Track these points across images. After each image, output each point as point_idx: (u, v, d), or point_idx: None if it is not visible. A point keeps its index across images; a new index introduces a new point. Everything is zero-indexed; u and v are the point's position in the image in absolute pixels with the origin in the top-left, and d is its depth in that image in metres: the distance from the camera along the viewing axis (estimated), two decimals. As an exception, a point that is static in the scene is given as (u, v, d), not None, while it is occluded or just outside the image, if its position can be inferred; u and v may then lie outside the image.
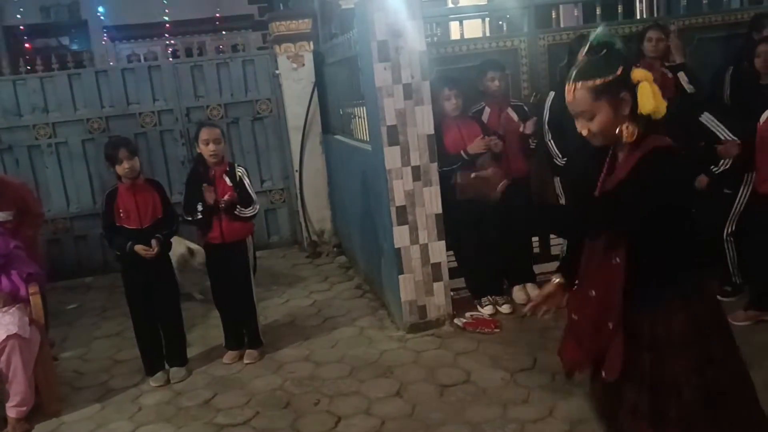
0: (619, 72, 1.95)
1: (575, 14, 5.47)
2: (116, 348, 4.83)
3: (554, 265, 4.95)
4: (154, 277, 4.10)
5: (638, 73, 1.98)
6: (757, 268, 4.10)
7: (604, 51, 1.98)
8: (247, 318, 4.41)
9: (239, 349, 4.41)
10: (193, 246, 5.20)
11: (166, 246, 4.11)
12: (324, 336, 4.68)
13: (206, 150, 4.13)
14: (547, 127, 4.59)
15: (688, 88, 4.47)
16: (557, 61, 4.87)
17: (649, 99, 1.94)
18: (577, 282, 2.25)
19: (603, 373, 2.11)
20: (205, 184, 4.10)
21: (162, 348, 4.25)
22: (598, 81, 1.93)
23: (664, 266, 2.02)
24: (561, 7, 5.52)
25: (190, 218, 4.18)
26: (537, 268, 4.98)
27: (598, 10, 5.16)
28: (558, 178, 4.77)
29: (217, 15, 11.41)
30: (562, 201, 4.74)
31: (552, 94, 4.60)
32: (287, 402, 3.81)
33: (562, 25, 5.49)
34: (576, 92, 1.96)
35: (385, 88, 4.25)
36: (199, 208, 4.11)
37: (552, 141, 4.58)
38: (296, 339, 4.65)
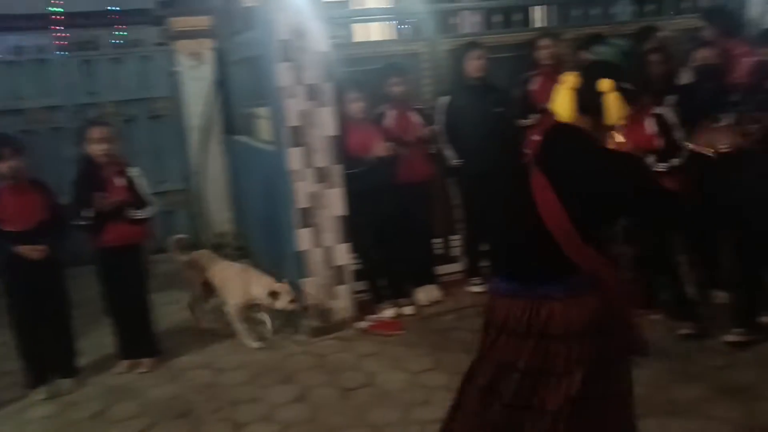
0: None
1: (475, 21, 5.60)
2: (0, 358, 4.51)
3: (456, 266, 5.08)
4: (41, 283, 3.85)
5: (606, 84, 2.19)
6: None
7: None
8: (143, 325, 4.24)
9: (134, 358, 4.22)
10: (276, 286, 4.30)
11: (56, 249, 3.87)
12: (225, 342, 4.55)
13: (96, 149, 3.93)
14: (442, 130, 4.68)
15: None
16: (457, 65, 4.95)
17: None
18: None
19: None
20: (98, 193, 3.89)
21: (47, 358, 4.00)
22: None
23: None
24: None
25: (78, 222, 3.95)
26: (439, 270, 5.06)
27: (495, 18, 5.32)
28: (453, 180, 4.88)
29: (113, 8, 10.92)
30: (457, 203, 4.86)
31: (446, 98, 4.69)
32: (186, 411, 3.69)
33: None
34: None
35: (288, 89, 4.20)
36: (87, 214, 3.89)
37: (447, 144, 4.67)
38: (196, 345, 4.50)
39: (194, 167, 6.63)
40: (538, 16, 6.92)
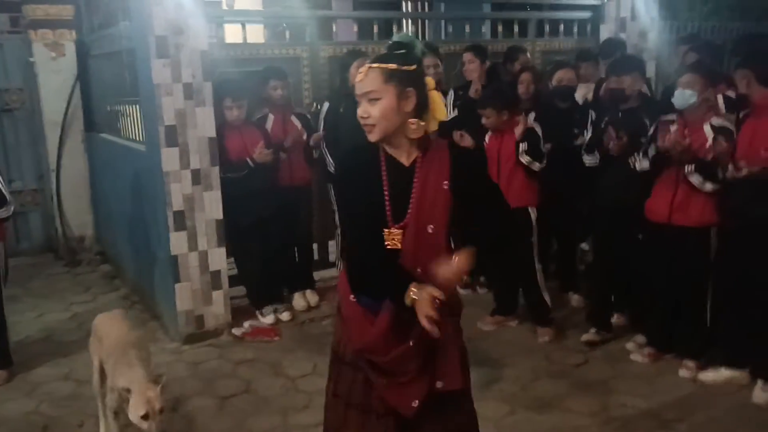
0: (412, 68, 2.02)
1: (354, 30, 5.68)
2: None
3: (333, 271, 5.12)
4: None
5: (431, 82, 2.11)
6: None
7: (405, 49, 2.13)
8: (-5, 334, 3.88)
9: (-16, 371, 3.86)
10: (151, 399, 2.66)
11: None
12: (86, 352, 4.21)
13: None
14: (322, 135, 4.71)
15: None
16: (336, 73, 5.00)
17: (441, 107, 2.10)
18: None
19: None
20: None
21: None
22: (392, 66, 1.98)
23: None
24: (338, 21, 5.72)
25: None
26: (317, 275, 5.06)
27: (375, 27, 5.43)
28: (332, 185, 4.91)
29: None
30: (334, 208, 4.89)
31: (326, 104, 4.73)
32: (44, 426, 3.44)
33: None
34: (369, 72, 1.98)
35: (164, 86, 4.04)
36: None
37: (326, 149, 4.70)
38: (53, 356, 4.20)
39: (51, 165, 6.17)
40: (411, 30, 7.19)
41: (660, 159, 3.59)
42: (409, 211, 2.03)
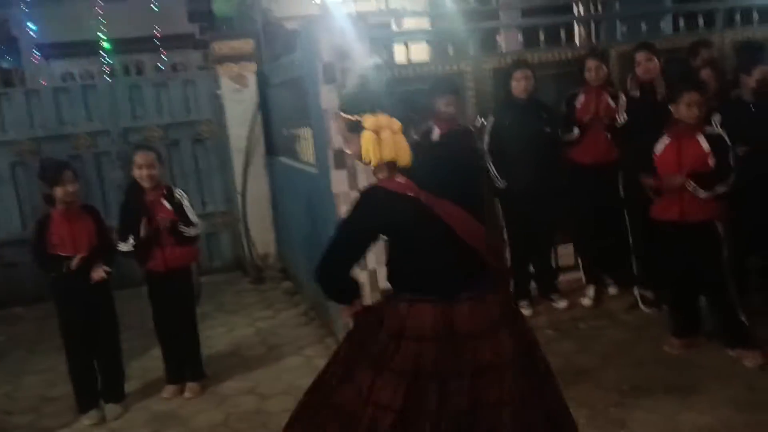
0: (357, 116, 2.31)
1: (518, 39, 5.52)
2: (47, 384, 4.54)
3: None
4: (92, 308, 3.88)
5: (369, 122, 2.27)
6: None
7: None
8: (190, 349, 4.24)
9: (180, 383, 4.20)
10: None
11: (107, 274, 3.89)
12: (269, 367, 4.51)
13: (140, 174, 3.95)
14: (487, 151, 4.61)
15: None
16: (500, 85, 4.87)
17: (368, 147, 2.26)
18: None
19: None
20: (143, 218, 3.91)
21: (97, 383, 4.01)
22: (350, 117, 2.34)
23: None
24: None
25: (124, 249, 3.98)
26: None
27: (541, 35, 5.24)
28: (498, 200, 4.79)
29: (156, 33, 11.13)
30: (503, 223, 4.77)
31: (492, 118, 4.62)
32: (230, 439, 3.65)
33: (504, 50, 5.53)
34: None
35: (331, 111, 4.17)
36: (131, 241, 3.92)
37: (492, 164, 4.59)
38: (240, 370, 4.47)
39: (237, 189, 6.66)
40: (581, 33, 6.85)
41: None
42: None
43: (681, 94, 3.73)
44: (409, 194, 2.25)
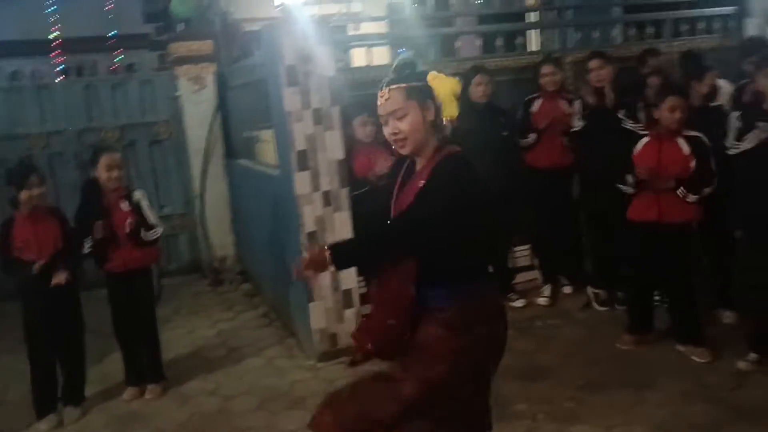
0: (424, 83, 2.20)
1: (476, 45, 5.65)
2: (1, 386, 4.44)
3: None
4: (58, 309, 3.81)
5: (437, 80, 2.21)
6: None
7: (410, 68, 2.25)
8: (151, 351, 4.21)
9: (141, 385, 4.17)
10: None
11: (72, 276, 3.82)
12: (231, 368, 4.51)
13: (107, 176, 3.92)
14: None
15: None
16: (463, 89, 4.98)
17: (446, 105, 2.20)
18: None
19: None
20: (98, 221, 3.87)
21: (57, 387, 3.95)
22: (410, 84, 2.17)
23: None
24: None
25: (82, 251, 3.93)
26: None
27: (498, 41, 5.38)
28: None
29: (110, 33, 10.91)
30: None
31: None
32: (196, 438, 3.65)
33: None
34: (390, 93, 2.17)
35: (294, 113, 4.21)
36: (87, 244, 3.88)
37: None
38: (202, 372, 4.46)
39: (195, 191, 6.62)
40: (536, 39, 7.06)
41: None
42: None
43: (664, 99, 3.85)
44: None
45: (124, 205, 4.02)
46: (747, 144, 3.67)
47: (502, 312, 2.30)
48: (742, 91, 4.35)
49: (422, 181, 2.14)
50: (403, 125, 2.16)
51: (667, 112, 3.83)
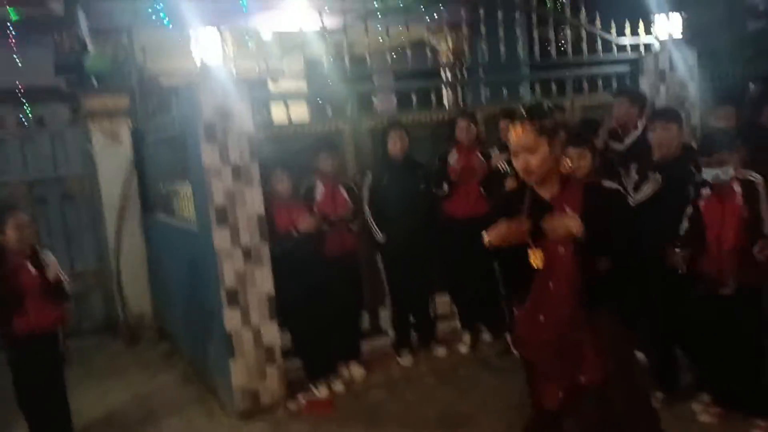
0: (551, 120, 2.46)
1: (393, 101, 5.84)
2: None
3: (384, 339, 5.13)
4: None
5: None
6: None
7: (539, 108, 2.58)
8: (60, 419, 4.00)
9: (50, 456, 3.95)
10: None
11: None
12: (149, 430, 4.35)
13: (16, 237, 3.77)
14: (367, 206, 4.81)
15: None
16: (378, 144, 5.13)
17: None
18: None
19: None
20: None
21: None
22: (542, 121, 2.41)
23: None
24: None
25: None
26: (368, 344, 5.08)
27: (414, 98, 5.58)
28: (378, 254, 4.98)
29: (19, 85, 10.56)
30: (383, 276, 4.95)
31: (370, 176, 4.85)
32: None
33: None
34: (523, 128, 2.40)
35: (213, 169, 4.21)
36: None
37: (372, 219, 4.80)
38: (117, 438, 4.28)
39: (110, 247, 6.42)
40: (449, 96, 7.36)
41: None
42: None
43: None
44: None
45: (31, 267, 3.85)
46: (641, 195, 3.91)
47: None
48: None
49: (570, 209, 2.39)
50: (534, 159, 2.39)
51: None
